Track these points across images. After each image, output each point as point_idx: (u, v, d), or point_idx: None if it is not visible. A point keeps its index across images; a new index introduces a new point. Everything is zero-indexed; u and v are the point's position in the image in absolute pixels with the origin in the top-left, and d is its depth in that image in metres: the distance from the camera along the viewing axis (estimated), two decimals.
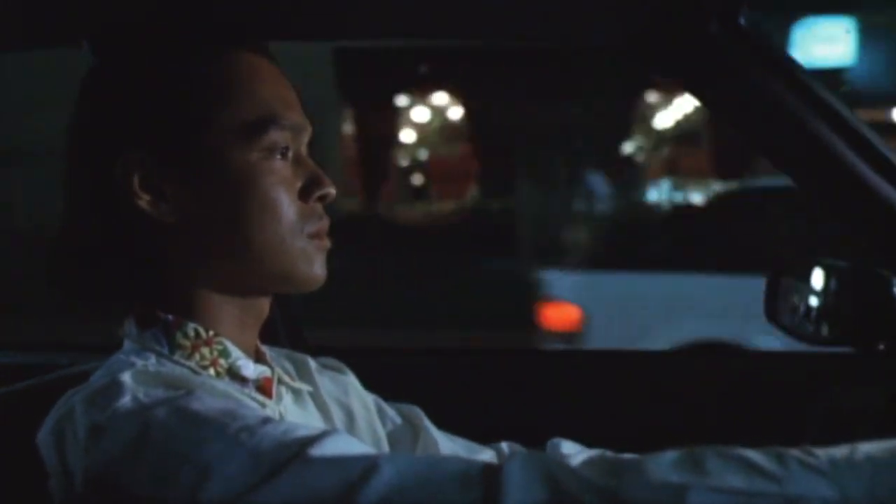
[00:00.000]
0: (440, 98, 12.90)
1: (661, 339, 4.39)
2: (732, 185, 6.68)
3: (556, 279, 4.92)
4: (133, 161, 0.87)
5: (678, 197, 11.13)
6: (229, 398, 0.83)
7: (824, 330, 1.35)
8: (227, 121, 0.87)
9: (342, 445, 0.76)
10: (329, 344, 1.51)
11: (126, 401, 0.79)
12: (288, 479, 0.72)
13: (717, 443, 1.06)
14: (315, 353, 1.09)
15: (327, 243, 0.92)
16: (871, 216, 1.23)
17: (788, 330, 1.39)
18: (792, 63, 1.19)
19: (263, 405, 0.89)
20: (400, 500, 0.71)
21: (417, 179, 14.12)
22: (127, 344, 0.89)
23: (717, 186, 9.63)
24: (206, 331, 0.89)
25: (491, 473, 0.72)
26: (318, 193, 0.91)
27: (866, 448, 0.70)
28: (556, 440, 1.10)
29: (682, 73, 1.28)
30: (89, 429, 0.79)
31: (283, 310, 1.53)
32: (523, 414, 1.46)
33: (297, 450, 0.74)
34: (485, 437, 1.12)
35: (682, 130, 12.12)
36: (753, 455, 0.70)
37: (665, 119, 12.47)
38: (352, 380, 1.08)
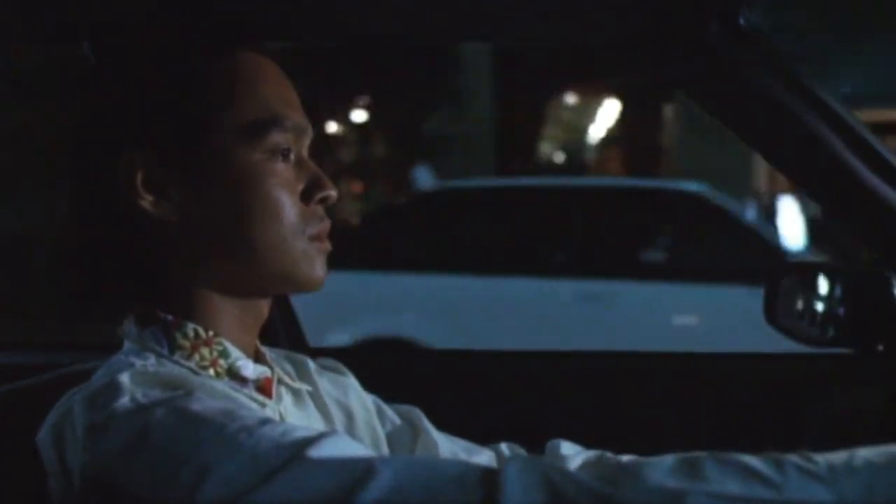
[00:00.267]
0: None
1: (338, 337, 4.64)
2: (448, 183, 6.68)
3: None
4: (135, 160, 0.87)
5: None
6: (228, 399, 0.83)
7: (824, 331, 1.35)
8: (230, 121, 0.87)
9: (341, 447, 0.76)
10: (329, 346, 1.50)
11: (124, 401, 0.79)
12: (286, 481, 0.72)
13: (717, 443, 1.06)
14: (314, 355, 1.09)
15: (328, 245, 0.92)
16: (869, 216, 1.23)
17: (789, 332, 1.39)
18: (791, 63, 1.19)
19: (263, 405, 0.89)
20: (398, 503, 0.71)
21: None
22: (126, 344, 0.89)
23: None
24: (206, 331, 0.89)
25: (489, 477, 0.72)
26: (319, 195, 0.91)
27: (865, 454, 0.70)
28: (555, 441, 1.10)
29: (682, 73, 1.28)
30: (87, 429, 0.79)
31: (282, 311, 1.53)
32: (523, 414, 1.46)
33: (296, 451, 0.74)
34: (484, 438, 1.12)
35: None
36: (751, 461, 0.70)
37: None
38: (351, 381, 1.08)
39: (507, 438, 1.12)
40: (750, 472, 0.69)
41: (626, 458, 1.07)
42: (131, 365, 0.85)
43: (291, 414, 0.94)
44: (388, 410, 1.09)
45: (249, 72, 0.90)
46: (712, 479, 0.69)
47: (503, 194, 5.69)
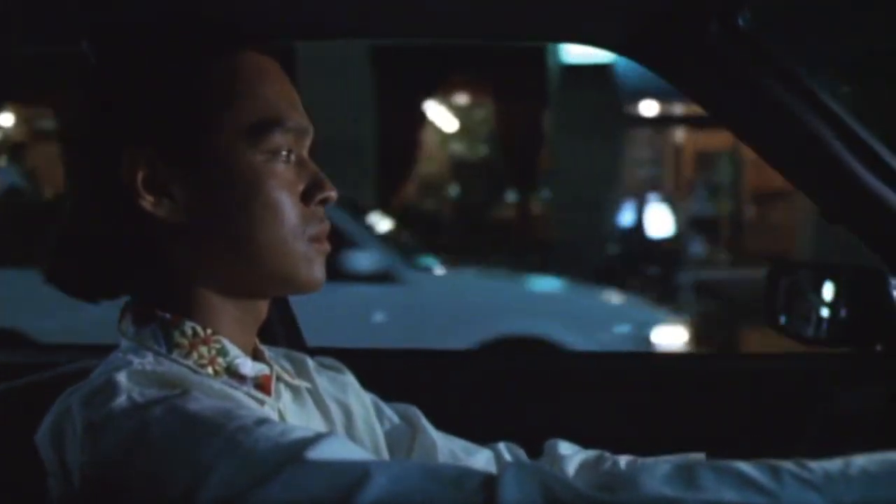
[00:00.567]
0: None
1: None
2: None
3: None
4: (136, 160, 0.86)
5: None
6: (226, 398, 0.83)
7: (823, 330, 1.35)
8: (230, 122, 0.87)
9: (339, 449, 0.76)
10: (327, 345, 1.50)
11: (121, 400, 0.79)
12: (283, 482, 0.72)
13: (717, 443, 1.06)
14: (313, 355, 1.09)
15: (327, 246, 0.92)
16: (869, 217, 1.23)
17: (787, 331, 1.39)
18: (791, 64, 1.19)
19: (262, 403, 0.89)
20: None
21: None
22: (124, 342, 0.89)
23: None
24: (205, 329, 0.89)
25: (487, 483, 0.72)
26: (319, 196, 0.91)
27: (860, 461, 0.70)
28: (553, 440, 1.10)
29: (682, 73, 1.28)
30: (85, 427, 0.79)
31: (281, 311, 1.53)
32: (521, 414, 1.46)
33: (294, 452, 0.74)
34: (483, 438, 1.12)
35: None
36: (747, 468, 0.70)
37: None
38: (350, 379, 1.08)
39: (506, 438, 1.12)
40: (745, 480, 0.69)
41: (624, 458, 1.07)
42: (129, 363, 0.84)
43: (290, 411, 0.94)
44: (387, 409, 1.09)
45: (250, 72, 0.90)
46: (708, 488, 0.69)
47: None
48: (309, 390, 1.00)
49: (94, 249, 0.90)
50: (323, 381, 1.04)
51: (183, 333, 0.88)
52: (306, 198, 0.90)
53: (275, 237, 0.88)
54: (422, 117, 11.12)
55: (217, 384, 0.86)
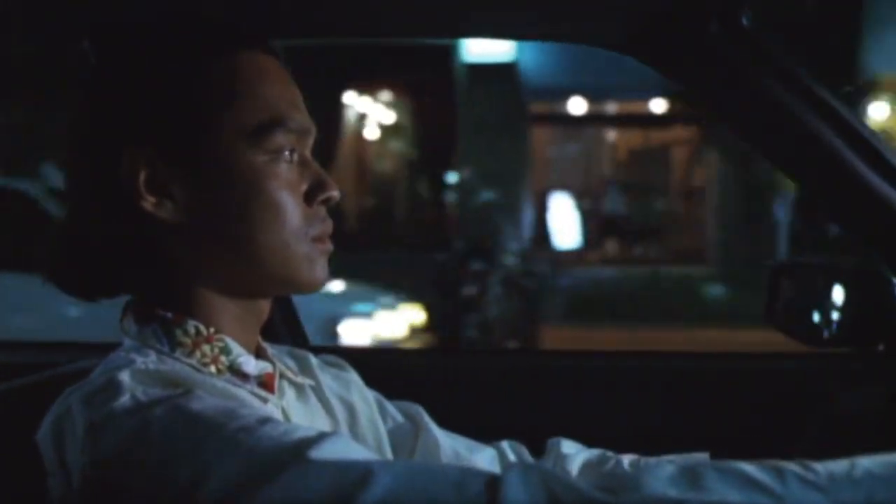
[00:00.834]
0: None
1: None
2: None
3: None
4: (137, 160, 0.86)
5: None
6: (229, 397, 0.83)
7: (824, 331, 1.35)
8: (231, 122, 0.87)
9: (341, 449, 0.76)
10: (330, 344, 1.50)
11: (124, 400, 0.79)
12: (286, 481, 0.72)
13: (717, 443, 1.06)
14: (316, 353, 1.09)
15: (329, 246, 0.92)
16: (870, 216, 1.23)
17: (788, 331, 1.39)
18: (792, 64, 1.18)
19: (265, 401, 0.89)
20: None
21: None
22: (127, 341, 0.89)
23: None
24: (207, 328, 0.88)
25: (490, 484, 0.72)
26: (322, 196, 0.91)
27: (865, 463, 0.70)
28: (555, 439, 1.10)
29: (683, 73, 1.28)
30: (87, 427, 0.78)
31: (284, 310, 1.53)
32: (523, 413, 1.47)
33: (296, 452, 0.73)
34: (486, 436, 1.12)
35: None
36: (752, 470, 0.70)
37: None
38: (354, 377, 1.08)
39: (509, 437, 1.12)
40: (750, 482, 0.69)
41: (627, 458, 1.07)
42: (132, 362, 0.84)
43: (294, 408, 0.94)
44: (390, 407, 1.09)
45: (251, 72, 0.89)
46: (712, 489, 0.69)
47: None
48: (312, 388, 1.00)
49: (94, 249, 0.90)
50: (326, 378, 1.04)
51: (185, 332, 0.88)
52: (309, 198, 0.90)
53: (277, 239, 0.88)
54: (332, 117, 11.12)
55: (220, 383, 0.86)
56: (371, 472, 0.72)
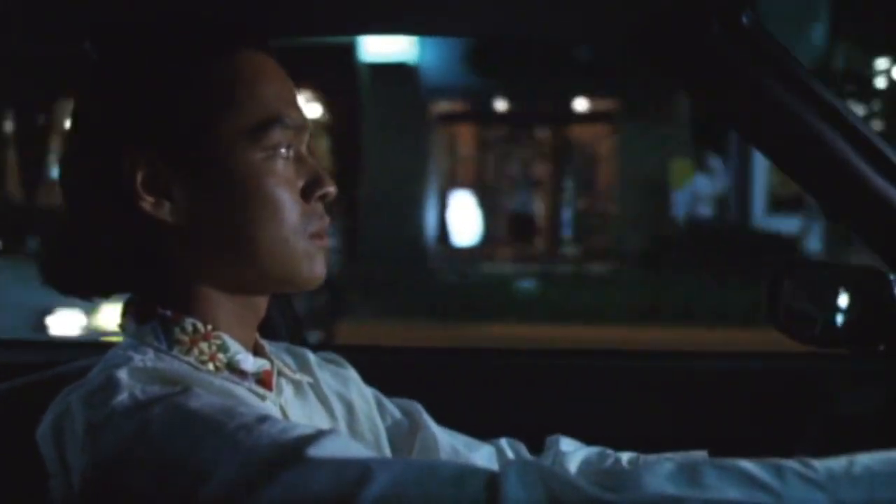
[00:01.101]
0: None
1: None
2: None
3: None
4: (136, 160, 0.86)
5: None
6: (227, 395, 0.83)
7: (824, 331, 1.35)
8: (230, 122, 0.87)
9: (340, 447, 0.76)
10: (328, 342, 1.50)
11: (123, 398, 0.79)
12: (285, 480, 0.72)
13: (717, 443, 1.06)
14: (315, 350, 1.09)
15: (327, 242, 0.92)
16: (872, 216, 1.23)
17: (789, 332, 1.39)
18: (794, 63, 1.18)
19: (263, 398, 0.89)
20: None
21: None
22: (125, 339, 0.89)
23: None
24: (205, 325, 0.89)
25: (489, 481, 0.72)
26: (319, 193, 0.91)
27: (865, 460, 0.70)
28: (555, 436, 1.10)
29: (684, 73, 1.28)
30: (87, 427, 0.78)
31: (282, 307, 1.53)
32: (522, 412, 1.46)
33: (295, 450, 0.74)
34: (484, 434, 1.12)
35: None
36: (751, 467, 0.70)
37: None
38: (352, 374, 1.08)
39: (508, 434, 1.12)
40: (750, 479, 0.69)
41: (626, 455, 1.07)
42: (129, 359, 0.84)
43: (292, 405, 0.94)
44: (389, 404, 1.09)
45: (250, 72, 0.90)
46: (712, 486, 0.69)
47: None
48: (311, 385, 1.00)
49: (93, 249, 0.90)
50: (325, 375, 1.04)
51: (183, 330, 0.88)
52: (306, 194, 0.90)
53: (276, 236, 0.88)
54: None
55: (218, 380, 0.86)
56: (370, 469, 0.72)
